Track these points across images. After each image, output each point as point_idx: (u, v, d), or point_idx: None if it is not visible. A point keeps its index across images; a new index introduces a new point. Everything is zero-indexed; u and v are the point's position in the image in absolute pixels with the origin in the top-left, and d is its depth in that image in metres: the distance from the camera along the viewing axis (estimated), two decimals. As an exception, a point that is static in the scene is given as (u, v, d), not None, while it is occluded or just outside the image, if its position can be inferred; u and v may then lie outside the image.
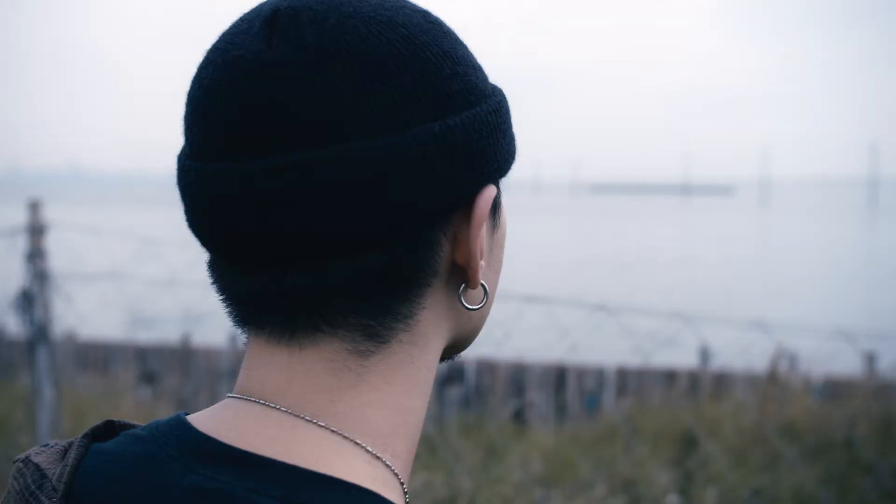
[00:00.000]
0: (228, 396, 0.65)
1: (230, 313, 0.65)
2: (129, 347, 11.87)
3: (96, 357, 11.83)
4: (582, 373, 10.55)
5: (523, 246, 43.10)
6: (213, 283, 0.65)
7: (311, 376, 0.62)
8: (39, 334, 3.73)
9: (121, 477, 0.61)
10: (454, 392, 10.70)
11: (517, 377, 10.81)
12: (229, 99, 0.60)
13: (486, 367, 10.77)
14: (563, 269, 32.61)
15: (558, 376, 10.62)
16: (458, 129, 0.61)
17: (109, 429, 0.69)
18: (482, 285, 0.67)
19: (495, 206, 0.69)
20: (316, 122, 0.58)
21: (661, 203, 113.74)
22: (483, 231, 0.64)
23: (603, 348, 9.71)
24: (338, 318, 0.62)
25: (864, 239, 51.47)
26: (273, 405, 0.62)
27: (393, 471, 0.63)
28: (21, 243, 3.74)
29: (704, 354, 11.61)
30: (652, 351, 4.31)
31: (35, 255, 3.68)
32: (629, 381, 10.46)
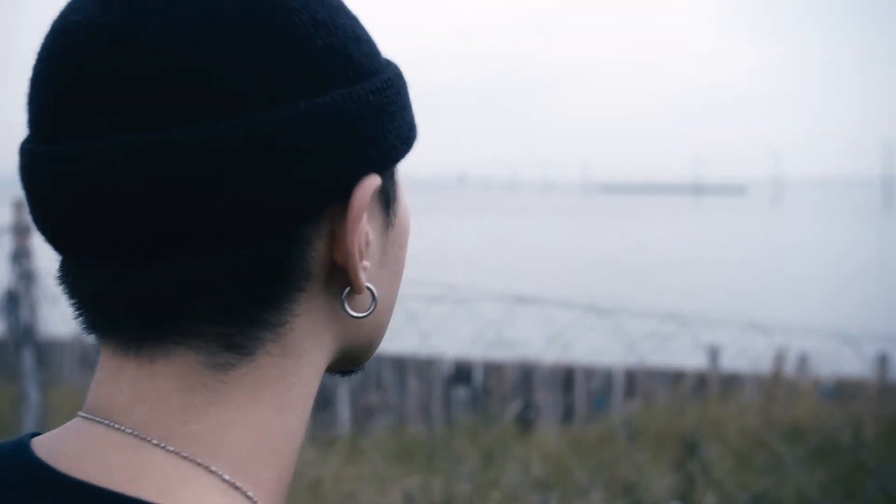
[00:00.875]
0: (77, 415, 0.57)
1: (78, 318, 0.57)
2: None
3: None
4: (590, 374, 10.46)
5: (534, 246, 43.01)
6: (61, 283, 0.57)
7: (161, 393, 0.54)
8: (25, 336, 3.67)
9: None
10: (461, 393, 10.64)
11: (524, 378, 10.73)
12: (63, 69, 0.52)
13: (494, 368, 10.70)
14: (571, 271, 32.52)
15: (566, 377, 10.53)
16: (328, 108, 0.53)
17: None
18: (369, 289, 0.59)
19: (388, 200, 0.61)
20: (155, 97, 0.50)
21: (672, 203, 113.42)
22: (362, 226, 0.56)
23: (603, 349, 9.63)
24: (190, 325, 0.54)
25: (879, 239, 51.17)
26: (118, 426, 0.54)
27: (255, 502, 0.55)
28: (7, 244, 3.68)
29: (713, 355, 11.51)
30: (649, 352, 4.22)
31: (20, 255, 3.61)
32: (637, 382, 10.36)
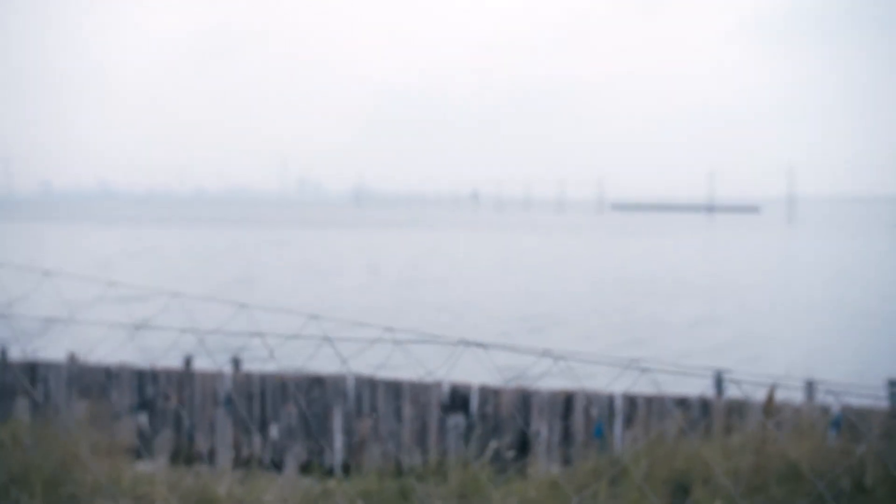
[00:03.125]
0: None
1: None
2: (126, 371, 11.60)
3: (95, 382, 11.58)
4: (590, 400, 10.13)
5: (543, 265, 42.65)
6: None
7: None
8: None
9: None
10: (457, 420, 10.32)
11: (523, 404, 10.40)
12: None
13: (490, 394, 10.39)
14: (574, 293, 32.13)
15: (566, 404, 10.21)
16: None
17: None
18: None
19: None
20: None
21: (685, 222, 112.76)
22: None
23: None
24: None
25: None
26: None
27: None
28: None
29: (719, 381, 11.16)
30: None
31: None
32: (638, 409, 10.02)
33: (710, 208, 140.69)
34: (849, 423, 8.94)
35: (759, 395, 9.92)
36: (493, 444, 7.32)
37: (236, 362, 12.72)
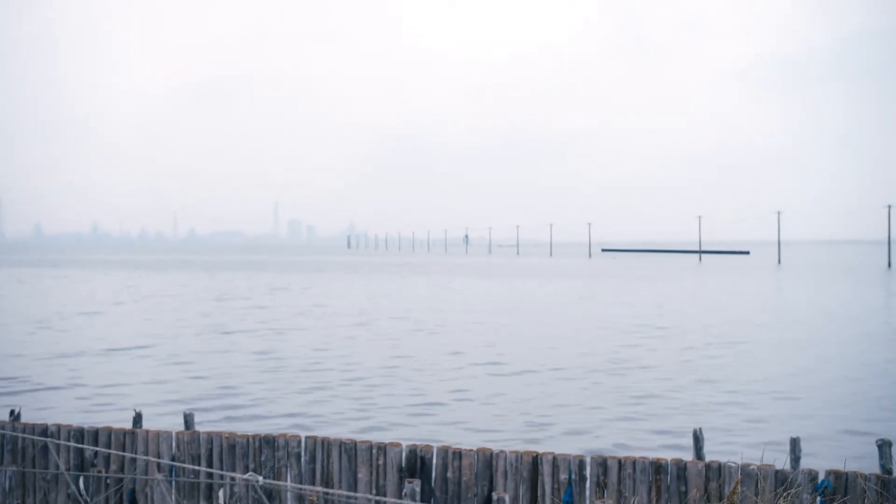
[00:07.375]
0: None
1: None
2: (64, 431, 10.81)
3: (31, 443, 10.78)
4: (557, 463, 9.37)
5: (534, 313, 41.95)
6: None
7: None
8: None
9: None
10: (415, 486, 9.52)
11: (486, 468, 9.60)
12: None
13: (452, 457, 9.60)
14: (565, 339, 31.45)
15: (532, 467, 9.43)
16: None
17: None
18: None
19: None
20: None
21: (678, 264, 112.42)
22: None
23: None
24: None
25: (887, 304, 50.10)
26: None
27: None
28: None
29: (697, 441, 10.46)
30: None
31: None
32: (610, 473, 9.27)
33: (701, 251, 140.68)
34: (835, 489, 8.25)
35: (742, 454, 9.20)
36: None
37: (188, 418, 11.94)
